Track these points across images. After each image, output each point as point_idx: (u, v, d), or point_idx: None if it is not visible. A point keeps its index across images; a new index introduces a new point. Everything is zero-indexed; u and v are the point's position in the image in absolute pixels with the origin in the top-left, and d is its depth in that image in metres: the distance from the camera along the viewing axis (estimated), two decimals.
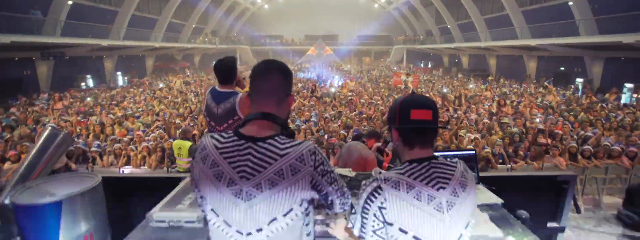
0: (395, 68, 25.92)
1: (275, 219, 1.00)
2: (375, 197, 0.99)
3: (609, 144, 5.65)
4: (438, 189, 1.00)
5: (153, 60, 26.11)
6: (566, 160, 5.43)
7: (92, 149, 5.41)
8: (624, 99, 13.34)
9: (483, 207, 1.54)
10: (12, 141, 5.95)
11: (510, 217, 1.50)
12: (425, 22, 32.48)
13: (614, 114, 8.29)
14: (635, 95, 13.46)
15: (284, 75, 1.11)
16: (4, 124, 6.88)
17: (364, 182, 1.07)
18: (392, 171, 1.04)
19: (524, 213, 1.82)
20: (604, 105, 9.74)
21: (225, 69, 2.23)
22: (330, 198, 1.08)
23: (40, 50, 14.72)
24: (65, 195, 1.45)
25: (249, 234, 1.00)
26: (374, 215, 0.99)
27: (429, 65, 34.82)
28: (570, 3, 15.90)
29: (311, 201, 1.06)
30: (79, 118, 7.69)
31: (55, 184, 1.61)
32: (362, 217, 1.02)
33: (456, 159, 1.09)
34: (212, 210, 1.04)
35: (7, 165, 5.21)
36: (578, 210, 3.63)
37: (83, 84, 18.88)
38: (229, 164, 1.00)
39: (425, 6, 30.69)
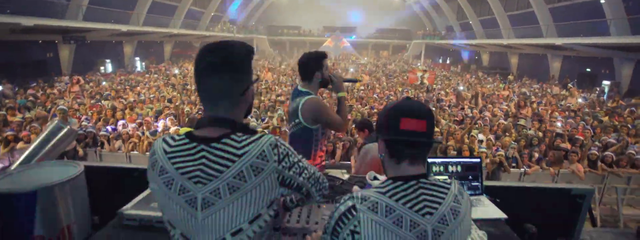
0: (418, 64, 25.18)
1: (240, 229, 0.87)
2: (348, 219, 0.85)
3: (634, 152, 5.33)
4: (424, 215, 0.85)
5: (171, 46, 26.44)
6: (585, 167, 5.15)
7: (101, 133, 5.48)
8: None
9: (484, 222, 1.39)
10: (27, 122, 6.10)
11: (513, 237, 1.36)
12: (446, 17, 31.57)
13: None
14: None
15: (236, 70, 0.92)
16: (19, 105, 7.06)
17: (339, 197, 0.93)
18: (372, 189, 0.90)
19: (531, 228, 1.67)
20: (633, 109, 9.21)
21: (299, 65, 2.01)
22: (304, 189, 0.97)
23: (63, 33, 15.06)
24: (41, 184, 1.41)
25: None
26: None
27: (448, 62, 33.99)
28: (602, 1, 15.04)
29: (280, 200, 0.95)
30: (92, 101, 7.82)
31: (36, 172, 1.57)
32: None
33: (450, 180, 0.94)
34: (168, 221, 0.93)
35: (20, 145, 5.33)
36: (594, 223, 3.42)
37: (102, 68, 19.29)
38: (178, 170, 0.87)
39: (447, 1, 29.78)
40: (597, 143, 5.93)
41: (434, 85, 13.77)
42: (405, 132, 0.90)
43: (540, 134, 6.38)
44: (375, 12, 35.90)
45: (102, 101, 8.16)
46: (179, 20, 24.19)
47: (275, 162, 0.88)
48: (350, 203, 0.87)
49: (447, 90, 12.34)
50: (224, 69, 0.91)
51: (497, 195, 1.63)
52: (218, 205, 0.86)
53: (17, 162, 1.86)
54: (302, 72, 2.00)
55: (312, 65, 1.98)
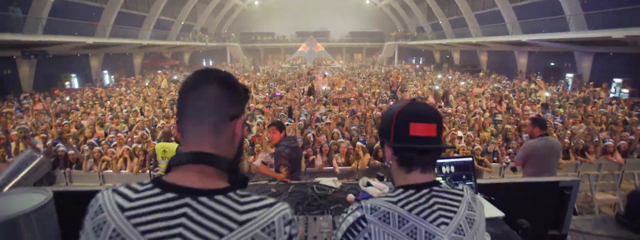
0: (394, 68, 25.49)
1: None
2: (358, 231, 0.78)
3: (598, 140, 5.60)
4: (439, 225, 0.79)
5: (141, 58, 25.60)
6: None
7: (69, 152, 5.15)
8: (614, 94, 13.48)
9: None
10: None
11: (513, 235, 1.35)
12: (417, 19, 32.44)
13: (603, 110, 8.28)
14: (624, 90, 13.58)
15: (225, 87, 0.73)
16: None
17: (345, 208, 0.85)
18: (381, 198, 0.82)
19: (524, 223, 1.68)
20: (596, 101, 9.74)
21: None
22: None
23: (21, 48, 14.23)
24: (5, 216, 1.26)
25: None
26: None
27: (421, 62, 34.88)
28: None
29: None
30: (58, 120, 7.37)
31: None
32: None
33: (462, 186, 0.88)
34: None
35: None
36: (575, 212, 3.54)
37: (68, 83, 18.38)
38: (143, 236, 0.61)
39: (417, 2, 30.64)
40: (568, 132, 6.21)
41: (411, 87, 14.02)
42: (416, 138, 0.84)
43: (517, 127, 6.60)
44: (347, 16, 36.41)
45: (68, 119, 7.72)
46: (148, 30, 23.50)
47: None
48: (358, 214, 0.80)
49: (424, 89, 12.59)
50: (215, 85, 0.73)
51: (490, 193, 1.62)
52: None
53: None
54: None
55: None
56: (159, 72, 22.90)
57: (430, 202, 0.81)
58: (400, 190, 0.84)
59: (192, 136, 0.72)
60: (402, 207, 0.80)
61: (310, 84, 13.46)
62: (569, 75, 17.23)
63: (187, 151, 0.71)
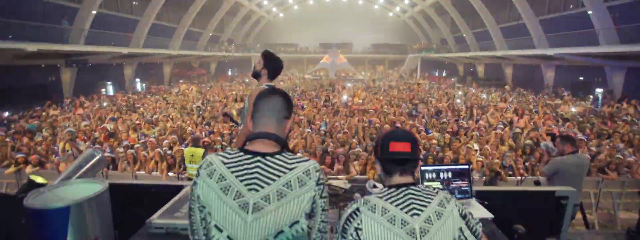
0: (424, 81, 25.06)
1: (281, 231, 1.05)
2: (353, 219, 1.07)
3: (621, 157, 5.46)
4: (412, 215, 1.05)
5: (171, 67, 26.89)
6: None
7: (106, 154, 5.59)
8: None
9: None
10: (32, 146, 6.22)
11: (498, 233, 1.50)
12: (440, 31, 32.30)
13: (634, 128, 7.98)
14: None
15: (285, 99, 1.21)
16: (27, 128, 7.22)
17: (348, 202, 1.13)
18: (373, 195, 1.12)
19: (520, 228, 1.81)
20: (625, 118, 9.38)
21: None
22: (316, 224, 1.10)
23: (65, 57, 15.42)
24: (73, 200, 1.55)
25: None
26: (351, 235, 1.06)
27: (444, 74, 34.49)
28: (589, 12, 15.53)
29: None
30: (97, 123, 7.97)
31: (66, 189, 1.72)
32: (342, 237, 1.09)
33: (437, 189, 1.13)
34: (216, 226, 1.07)
35: (28, 168, 5.46)
36: (587, 226, 3.53)
37: (103, 90, 19.60)
38: (237, 178, 1.06)
39: (440, 15, 30.57)
40: (593, 149, 6.08)
41: (432, 98, 13.98)
42: (394, 153, 1.13)
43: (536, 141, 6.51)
44: (370, 28, 36.74)
45: (106, 123, 8.30)
46: (178, 41, 24.74)
47: (315, 183, 1.09)
48: (355, 206, 1.10)
49: (443, 104, 12.51)
50: (279, 96, 1.21)
51: (489, 199, 1.78)
52: (266, 209, 1.04)
53: (53, 184, 2.02)
54: None
55: None
56: (181, 81, 24.09)
57: (406, 197, 1.09)
58: (386, 188, 1.13)
59: (263, 124, 1.18)
60: (386, 200, 1.08)
61: (327, 95, 13.74)
62: (599, 91, 16.60)
63: (259, 132, 1.16)
